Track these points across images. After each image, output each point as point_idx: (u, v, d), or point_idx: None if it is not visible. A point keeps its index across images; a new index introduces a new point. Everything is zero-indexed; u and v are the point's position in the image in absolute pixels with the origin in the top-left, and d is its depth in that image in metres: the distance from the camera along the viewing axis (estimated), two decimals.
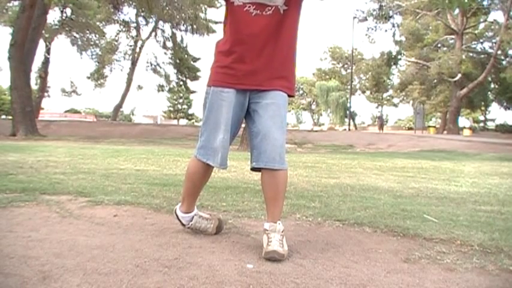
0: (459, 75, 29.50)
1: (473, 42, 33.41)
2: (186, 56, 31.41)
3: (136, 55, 31.97)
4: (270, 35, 1.98)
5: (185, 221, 2.22)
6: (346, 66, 45.46)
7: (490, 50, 31.29)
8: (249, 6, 1.97)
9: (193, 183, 2.18)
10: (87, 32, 27.75)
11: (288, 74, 2.08)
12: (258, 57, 1.99)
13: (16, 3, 22.16)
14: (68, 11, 26.22)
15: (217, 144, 2.03)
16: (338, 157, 8.91)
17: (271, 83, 2.02)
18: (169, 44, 30.76)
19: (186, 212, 2.21)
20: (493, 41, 30.94)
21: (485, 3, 28.46)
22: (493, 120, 47.88)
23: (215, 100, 2.03)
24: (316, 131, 29.56)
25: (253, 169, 2.07)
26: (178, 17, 24.94)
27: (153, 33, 30.93)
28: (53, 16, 25.47)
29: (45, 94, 30.57)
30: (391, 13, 31.12)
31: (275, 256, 1.82)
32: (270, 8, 1.97)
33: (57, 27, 26.11)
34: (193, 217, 2.21)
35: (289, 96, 2.09)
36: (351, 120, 37.07)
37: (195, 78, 33.43)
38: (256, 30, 1.98)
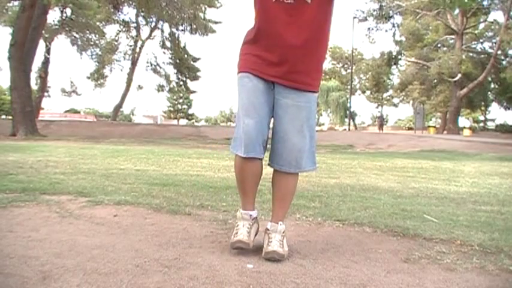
0: (459, 75, 29.50)
1: (473, 42, 33.42)
2: (186, 56, 31.42)
3: (136, 55, 31.99)
4: (292, 24, 1.86)
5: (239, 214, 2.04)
6: (346, 66, 45.44)
7: (490, 50, 31.30)
8: None
9: (238, 179, 2.04)
10: (87, 32, 27.75)
11: (311, 69, 1.95)
12: (279, 47, 1.88)
13: (16, 3, 22.16)
14: (68, 11, 26.22)
15: (240, 131, 1.92)
16: (338, 157, 8.91)
17: (294, 77, 1.91)
18: (169, 44, 30.78)
19: (243, 208, 2.03)
20: (493, 41, 30.95)
21: (485, 3, 28.47)
22: (493, 120, 47.94)
23: (239, 87, 1.98)
24: (316, 131, 29.53)
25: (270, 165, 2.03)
26: (178, 16, 24.93)
27: (153, 33, 30.96)
28: (53, 16, 25.52)
29: (45, 94, 30.57)
30: (391, 13, 31.10)
31: (275, 256, 1.82)
32: None
33: (57, 27, 26.11)
34: (252, 220, 1.99)
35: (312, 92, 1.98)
36: (351, 120, 37.06)
37: (195, 78, 33.45)
38: (274, 17, 1.86)
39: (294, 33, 1.86)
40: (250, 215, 1.99)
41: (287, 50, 1.88)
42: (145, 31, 31.60)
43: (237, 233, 1.93)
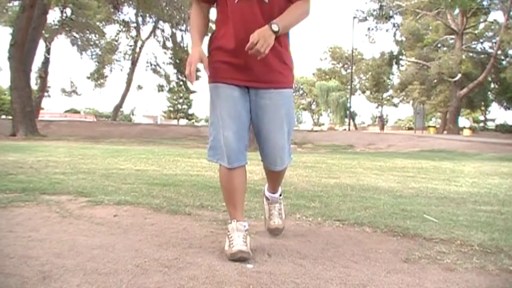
0: (459, 75, 29.50)
1: (473, 42, 33.42)
2: (186, 56, 31.33)
3: (136, 55, 31.96)
4: (261, 24, 1.83)
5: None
6: (346, 66, 45.45)
7: (490, 50, 31.29)
8: None
9: (226, 190, 2.01)
10: (87, 32, 27.76)
11: (280, 67, 1.94)
12: (244, 50, 1.82)
13: (16, 3, 22.16)
14: (68, 11, 26.24)
15: (220, 143, 1.92)
16: (338, 157, 8.91)
17: (267, 78, 1.91)
18: (169, 44, 30.75)
19: (236, 219, 1.96)
20: (493, 41, 30.94)
21: (485, 3, 28.46)
22: (493, 120, 47.91)
23: (213, 97, 1.96)
24: (316, 131, 29.57)
25: None
26: (178, 16, 24.92)
27: (153, 33, 30.92)
28: (53, 16, 25.52)
29: (45, 94, 30.57)
30: (391, 13, 31.12)
31: (277, 232, 2.20)
32: None
33: (57, 27, 26.11)
34: (246, 232, 1.93)
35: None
36: (351, 120, 37.07)
37: (195, 78, 33.35)
38: (242, 18, 1.86)
39: None
40: (244, 226, 1.94)
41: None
42: (145, 31, 31.62)
43: (232, 243, 1.86)
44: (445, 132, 30.82)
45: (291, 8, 1.92)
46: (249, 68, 1.89)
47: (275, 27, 1.82)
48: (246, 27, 1.85)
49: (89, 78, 32.05)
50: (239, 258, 1.81)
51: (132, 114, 62.33)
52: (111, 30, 65.43)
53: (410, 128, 42.31)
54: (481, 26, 32.76)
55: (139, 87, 35.97)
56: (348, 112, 37.23)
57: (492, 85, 35.91)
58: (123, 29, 30.61)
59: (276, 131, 1.96)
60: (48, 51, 26.65)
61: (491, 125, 44.32)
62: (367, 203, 3.14)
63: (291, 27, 1.95)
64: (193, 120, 59.61)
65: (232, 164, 1.93)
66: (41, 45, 22.96)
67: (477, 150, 12.79)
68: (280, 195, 2.29)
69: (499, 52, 28.93)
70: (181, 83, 33.37)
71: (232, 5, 1.87)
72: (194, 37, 1.98)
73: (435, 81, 33.86)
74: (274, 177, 2.20)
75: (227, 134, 1.91)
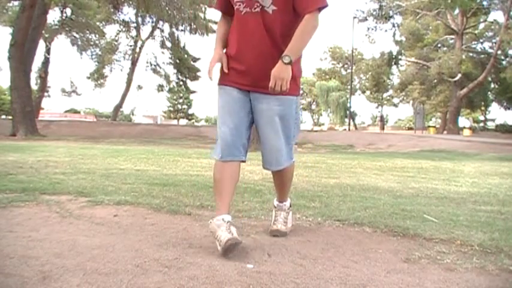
0: (459, 75, 29.49)
1: (473, 42, 33.41)
2: (186, 56, 31.41)
3: (136, 55, 31.98)
4: (263, 33, 1.97)
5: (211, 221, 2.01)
6: (346, 66, 45.44)
7: (490, 50, 31.29)
8: (239, 4, 2.00)
9: (215, 180, 2.07)
10: (87, 32, 27.79)
11: None
12: (251, 56, 2.00)
13: (16, 3, 22.16)
14: (68, 11, 26.26)
15: (219, 138, 2.07)
16: (338, 157, 8.91)
17: (266, 84, 1.95)
18: (169, 44, 30.77)
19: (217, 213, 2.00)
20: (493, 41, 30.94)
21: (485, 3, 28.47)
22: (493, 120, 47.88)
23: (217, 98, 2.12)
24: (316, 131, 29.57)
25: None
26: (178, 16, 24.94)
27: (153, 33, 30.94)
28: (53, 16, 25.56)
29: (45, 94, 30.59)
30: (391, 13, 31.12)
31: (278, 234, 2.21)
32: (257, 4, 1.96)
33: (57, 27, 26.13)
34: (227, 223, 1.92)
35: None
36: (351, 120, 37.08)
37: (195, 78, 33.41)
38: (246, 28, 1.99)
39: (259, 42, 1.98)
40: (223, 219, 1.93)
41: (255, 58, 1.99)
42: (145, 31, 31.64)
43: (220, 239, 1.85)
44: (445, 132, 30.81)
45: (300, 27, 1.95)
46: (250, 73, 2.02)
47: (287, 60, 1.91)
48: (249, 35, 2.00)
49: (89, 78, 32.10)
50: (229, 246, 1.81)
51: (132, 114, 62.33)
52: (111, 30, 65.56)
53: (410, 128, 42.31)
54: (481, 26, 32.75)
55: (139, 87, 36.08)
56: (348, 112, 37.23)
57: (492, 85, 35.91)
58: (123, 29, 30.65)
59: (272, 134, 2.07)
60: (48, 51, 26.66)
61: (491, 125, 44.29)
62: (367, 203, 3.14)
63: (304, 48, 2.00)
64: (193, 120, 59.59)
65: (224, 157, 2.03)
66: (41, 45, 23.01)
67: (477, 150, 12.79)
68: (290, 206, 2.39)
69: (499, 52, 28.92)
70: (181, 83, 33.42)
71: (238, 16, 2.02)
72: (217, 42, 2.15)
73: (435, 81, 33.85)
74: (277, 182, 2.30)
75: (224, 129, 2.05)
